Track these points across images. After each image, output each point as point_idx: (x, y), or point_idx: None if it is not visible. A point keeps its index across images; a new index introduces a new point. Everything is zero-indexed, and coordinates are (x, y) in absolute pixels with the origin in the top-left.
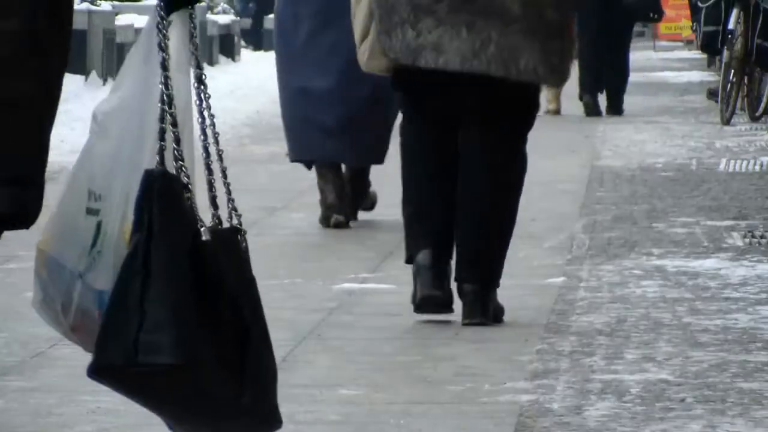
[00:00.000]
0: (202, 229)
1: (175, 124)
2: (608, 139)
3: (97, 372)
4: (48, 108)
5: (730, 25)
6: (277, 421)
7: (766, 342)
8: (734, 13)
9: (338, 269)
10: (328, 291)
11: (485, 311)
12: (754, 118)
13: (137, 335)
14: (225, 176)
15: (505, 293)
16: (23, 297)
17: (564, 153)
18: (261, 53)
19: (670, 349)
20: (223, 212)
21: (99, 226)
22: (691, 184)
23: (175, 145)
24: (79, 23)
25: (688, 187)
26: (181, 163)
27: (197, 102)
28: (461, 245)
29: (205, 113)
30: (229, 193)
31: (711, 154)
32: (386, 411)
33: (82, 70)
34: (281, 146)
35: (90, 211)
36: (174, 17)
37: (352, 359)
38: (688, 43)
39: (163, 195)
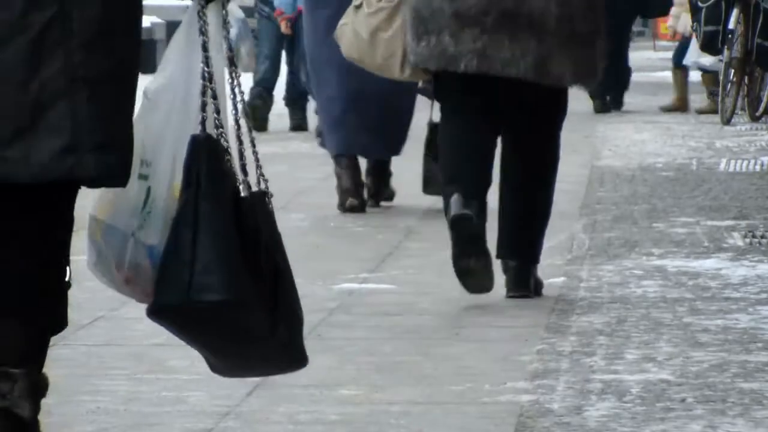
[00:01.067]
0: (240, 187)
1: (215, 97)
2: (608, 139)
3: (156, 312)
4: (128, 81)
5: (730, 25)
6: (305, 360)
7: (767, 342)
8: (734, 13)
9: (338, 269)
10: (328, 291)
11: (527, 284)
12: (754, 118)
13: (191, 277)
14: (254, 146)
15: (505, 293)
16: None
17: (564, 153)
18: None
19: (671, 349)
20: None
21: (148, 190)
22: (692, 184)
23: (215, 115)
24: None
25: (688, 187)
26: (221, 130)
27: (229, 80)
28: (505, 225)
29: (236, 90)
30: (257, 160)
31: (711, 153)
32: (386, 411)
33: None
34: (281, 146)
35: (141, 177)
36: (210, 6)
37: (352, 359)
38: None
39: (208, 157)
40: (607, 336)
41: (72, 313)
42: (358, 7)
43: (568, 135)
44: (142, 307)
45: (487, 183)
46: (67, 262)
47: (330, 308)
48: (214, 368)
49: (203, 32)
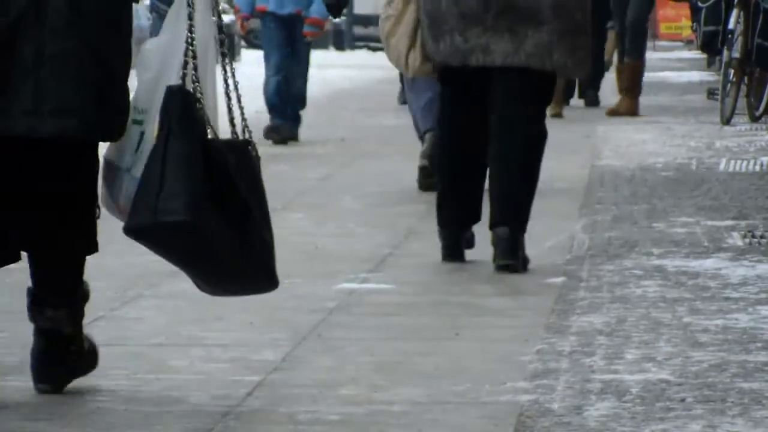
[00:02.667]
0: (208, 130)
1: (194, 57)
2: (608, 139)
3: (131, 231)
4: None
5: (730, 25)
6: (275, 282)
7: (766, 342)
8: (734, 13)
9: (338, 269)
10: (328, 291)
11: (516, 254)
12: (754, 118)
13: (156, 202)
14: (239, 101)
15: (505, 293)
16: (23, 297)
17: (564, 153)
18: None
19: (670, 349)
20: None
21: (142, 134)
22: (691, 184)
23: (193, 72)
24: None
25: (688, 187)
26: (196, 84)
27: (218, 46)
28: (496, 194)
29: (226, 52)
30: (242, 114)
31: (711, 154)
32: (386, 411)
33: None
34: (282, 146)
35: (135, 122)
36: None
37: (352, 359)
38: (688, 43)
39: (181, 104)
40: (607, 336)
41: None
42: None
43: (568, 135)
44: (142, 307)
45: (479, 191)
46: (95, 198)
47: (330, 308)
48: (201, 288)
49: (189, 5)
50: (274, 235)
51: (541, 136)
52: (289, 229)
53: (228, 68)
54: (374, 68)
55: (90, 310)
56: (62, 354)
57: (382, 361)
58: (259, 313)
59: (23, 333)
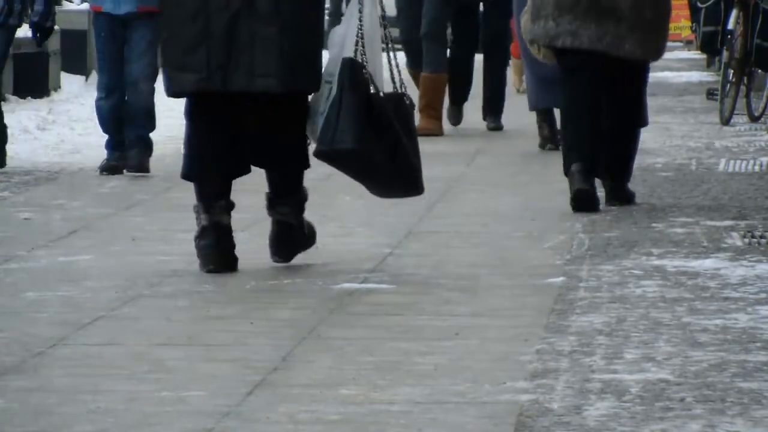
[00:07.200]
0: (371, 87)
1: (362, 37)
2: None
3: (317, 155)
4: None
5: (730, 25)
6: (421, 189)
7: (766, 342)
8: (734, 13)
9: (338, 269)
10: (328, 291)
11: (623, 196)
12: (753, 118)
13: (334, 135)
14: (398, 68)
15: (505, 293)
16: (23, 297)
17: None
18: None
19: (670, 349)
20: None
21: (330, 89)
22: (691, 184)
23: (362, 48)
24: (79, 24)
25: (687, 187)
26: (363, 56)
27: (383, 30)
28: (610, 152)
29: (387, 33)
30: (400, 75)
31: (710, 154)
32: (386, 411)
33: (83, 70)
34: None
35: (327, 82)
36: None
37: (352, 359)
38: (688, 43)
39: (350, 70)
40: (607, 336)
41: (72, 314)
42: None
43: None
44: (142, 307)
45: (599, 143)
46: (305, 130)
47: (330, 308)
48: (371, 190)
49: (360, 2)
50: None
51: (642, 108)
52: None
53: (388, 45)
54: None
55: (90, 310)
56: (290, 237)
57: (382, 361)
58: (259, 313)
59: (23, 333)
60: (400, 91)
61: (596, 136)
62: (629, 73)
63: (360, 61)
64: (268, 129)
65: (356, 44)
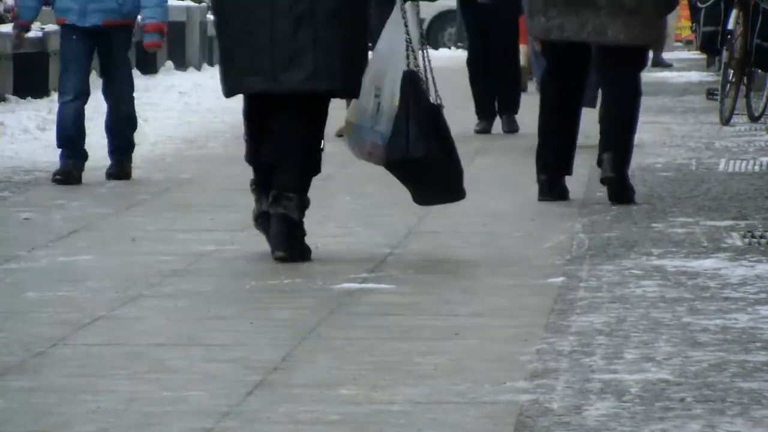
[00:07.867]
0: (429, 98)
1: (413, 50)
2: None
3: (389, 164)
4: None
5: (730, 26)
6: (462, 195)
7: (766, 342)
8: (733, 13)
9: (338, 269)
10: (328, 291)
11: (624, 192)
12: (753, 118)
13: (407, 144)
14: (434, 79)
15: (505, 293)
16: (23, 297)
17: None
18: None
19: (670, 349)
20: None
21: (379, 103)
22: (691, 184)
23: (413, 59)
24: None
25: (687, 187)
26: (417, 67)
27: (423, 41)
28: (606, 143)
29: (425, 50)
30: (435, 87)
31: (710, 154)
32: (386, 411)
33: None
34: None
35: (375, 96)
36: (407, 4)
37: (352, 359)
38: (688, 43)
39: (411, 81)
40: (607, 336)
41: (72, 314)
42: None
43: None
44: (142, 307)
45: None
46: (322, 136)
47: (330, 308)
48: (417, 195)
49: (404, 17)
50: None
51: (639, 89)
52: None
53: (426, 56)
54: None
55: (90, 310)
56: (292, 231)
57: (382, 361)
58: (259, 313)
59: (23, 333)
60: (438, 100)
61: (568, 142)
62: (626, 61)
63: (416, 71)
64: (295, 128)
65: (407, 55)
